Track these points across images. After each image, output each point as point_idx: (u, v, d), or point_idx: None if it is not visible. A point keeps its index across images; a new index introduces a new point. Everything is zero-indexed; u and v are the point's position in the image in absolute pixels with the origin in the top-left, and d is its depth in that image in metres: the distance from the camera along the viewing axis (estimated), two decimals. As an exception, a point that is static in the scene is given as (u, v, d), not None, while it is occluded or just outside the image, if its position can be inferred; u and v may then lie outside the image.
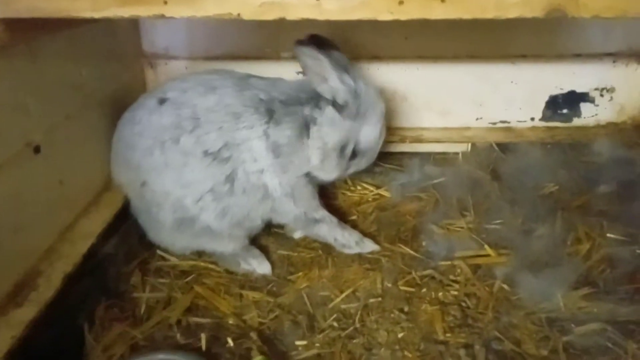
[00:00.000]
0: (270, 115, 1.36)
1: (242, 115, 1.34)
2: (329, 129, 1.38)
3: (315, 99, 1.38)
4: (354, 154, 1.45)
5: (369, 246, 1.49)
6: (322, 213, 1.48)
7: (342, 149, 1.41)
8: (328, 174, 1.45)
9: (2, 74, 1.08)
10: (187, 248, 1.45)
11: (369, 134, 1.43)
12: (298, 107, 1.39)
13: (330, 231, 1.48)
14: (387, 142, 1.53)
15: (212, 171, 1.32)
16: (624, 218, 1.52)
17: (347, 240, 1.48)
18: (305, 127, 1.38)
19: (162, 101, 1.35)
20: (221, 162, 1.32)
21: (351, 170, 1.50)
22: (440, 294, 1.33)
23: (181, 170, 1.32)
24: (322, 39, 1.36)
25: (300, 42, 1.32)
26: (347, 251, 1.48)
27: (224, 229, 1.39)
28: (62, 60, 1.29)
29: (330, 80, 1.33)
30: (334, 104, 1.36)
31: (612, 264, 1.39)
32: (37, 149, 1.18)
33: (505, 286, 1.34)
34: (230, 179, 1.34)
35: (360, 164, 1.50)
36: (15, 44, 1.08)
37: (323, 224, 1.47)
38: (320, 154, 1.40)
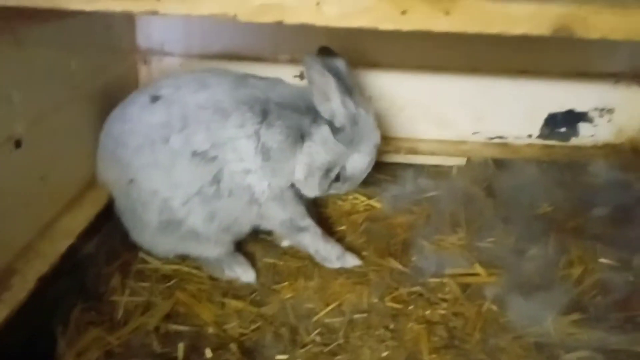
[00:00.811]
0: (264, 115, 1.32)
1: (233, 113, 1.30)
2: (320, 148, 1.36)
3: (315, 112, 1.35)
4: (337, 178, 1.43)
5: (351, 261, 1.44)
6: (308, 221, 1.44)
7: (328, 170, 1.39)
8: (309, 191, 1.43)
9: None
10: (171, 251, 1.41)
11: (358, 163, 1.41)
12: (295, 114, 1.35)
13: (313, 241, 1.43)
14: (381, 151, 1.49)
15: (200, 172, 1.29)
16: (617, 243, 1.49)
17: (328, 254, 1.43)
18: (300, 139, 1.36)
19: (154, 99, 1.31)
20: (208, 162, 1.29)
21: (331, 192, 1.48)
22: (427, 312, 1.30)
23: (170, 171, 1.28)
24: (332, 52, 1.36)
25: (310, 55, 1.29)
26: (327, 265, 1.44)
27: (211, 234, 1.35)
28: (50, 50, 1.24)
29: (333, 101, 1.31)
30: (331, 125, 1.34)
31: (604, 290, 1.36)
32: (17, 144, 1.12)
33: (494, 307, 1.31)
34: (217, 179, 1.30)
35: (341, 188, 1.48)
36: (-1, 32, 1.03)
37: (307, 233, 1.43)
38: (306, 170, 1.38)
